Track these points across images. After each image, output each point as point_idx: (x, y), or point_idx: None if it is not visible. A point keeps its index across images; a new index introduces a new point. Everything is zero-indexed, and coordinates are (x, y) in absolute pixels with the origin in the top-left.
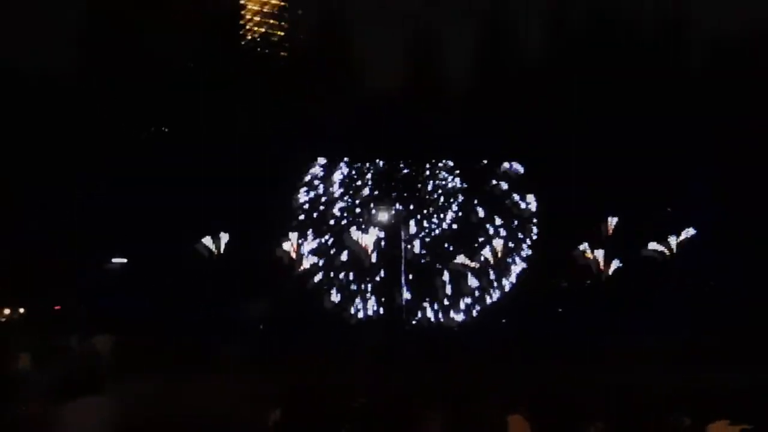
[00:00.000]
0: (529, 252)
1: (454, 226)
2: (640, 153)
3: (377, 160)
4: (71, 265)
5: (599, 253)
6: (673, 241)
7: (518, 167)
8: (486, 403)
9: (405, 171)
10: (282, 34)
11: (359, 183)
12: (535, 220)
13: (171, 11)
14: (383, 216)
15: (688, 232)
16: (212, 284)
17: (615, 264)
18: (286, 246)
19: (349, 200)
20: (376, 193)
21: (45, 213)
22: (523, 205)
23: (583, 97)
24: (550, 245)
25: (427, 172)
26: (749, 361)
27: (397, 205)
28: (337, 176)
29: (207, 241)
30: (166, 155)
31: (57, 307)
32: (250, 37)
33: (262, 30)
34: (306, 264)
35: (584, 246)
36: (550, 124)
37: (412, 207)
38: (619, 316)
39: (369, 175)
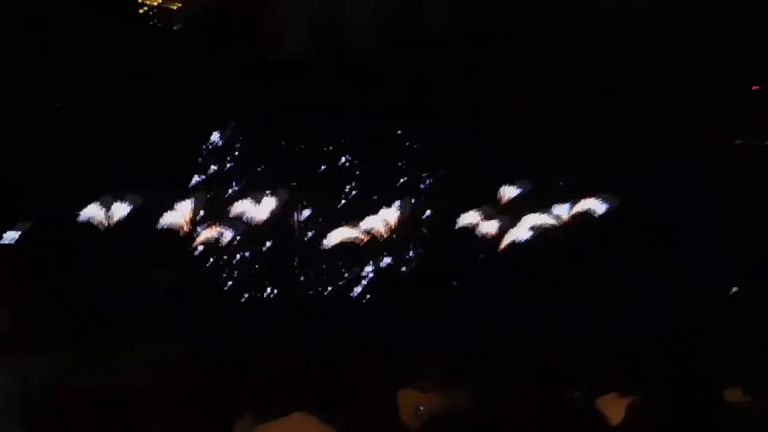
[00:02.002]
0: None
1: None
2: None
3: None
4: None
5: (493, 223)
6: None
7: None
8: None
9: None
10: (179, 6)
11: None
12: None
13: None
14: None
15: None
16: (111, 253)
17: (515, 233)
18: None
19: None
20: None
21: None
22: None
23: (487, 63)
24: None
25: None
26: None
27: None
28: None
29: (97, 208)
30: (60, 122)
31: None
32: (144, 10)
33: (157, 2)
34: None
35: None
36: (454, 90)
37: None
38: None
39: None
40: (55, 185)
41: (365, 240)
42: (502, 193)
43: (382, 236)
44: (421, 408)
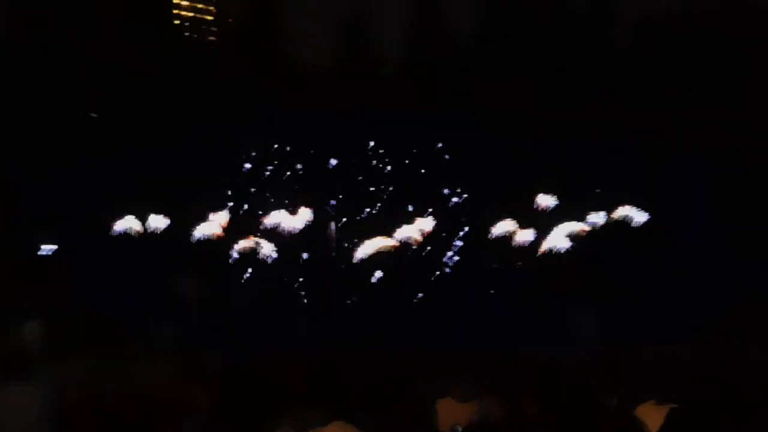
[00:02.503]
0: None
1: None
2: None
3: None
4: None
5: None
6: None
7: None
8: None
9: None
10: (211, 18)
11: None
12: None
13: None
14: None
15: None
16: (143, 265)
17: (550, 243)
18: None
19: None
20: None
21: None
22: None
23: (514, 71)
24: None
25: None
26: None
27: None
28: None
29: (132, 220)
30: (94, 139)
31: None
32: (178, 22)
33: (191, 15)
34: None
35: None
36: (483, 97)
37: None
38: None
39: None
40: (85, 198)
41: (398, 250)
42: (530, 203)
43: (414, 246)
44: (460, 428)
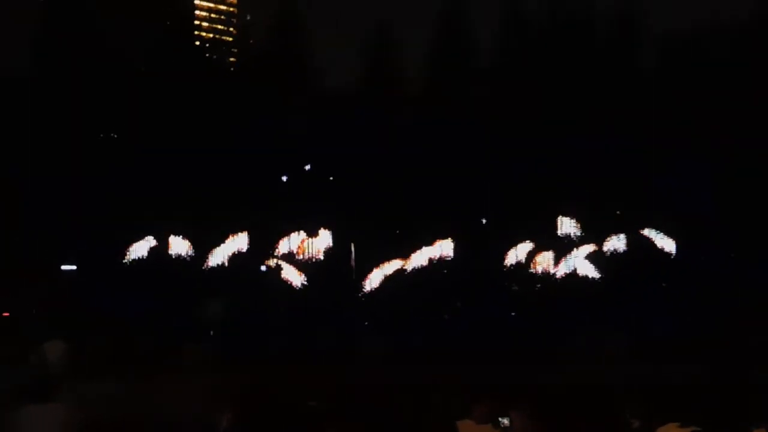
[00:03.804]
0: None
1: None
2: (596, 150)
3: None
4: (20, 271)
5: (549, 255)
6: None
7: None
8: (447, 405)
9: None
10: (230, 39)
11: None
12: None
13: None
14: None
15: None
16: (167, 285)
17: (570, 264)
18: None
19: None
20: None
21: None
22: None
23: (539, 96)
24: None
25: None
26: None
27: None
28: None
29: (150, 242)
30: (117, 159)
31: (5, 314)
32: (198, 43)
33: (211, 36)
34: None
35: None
36: (506, 124)
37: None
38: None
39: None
40: (108, 219)
41: (420, 274)
42: (551, 223)
43: (435, 267)
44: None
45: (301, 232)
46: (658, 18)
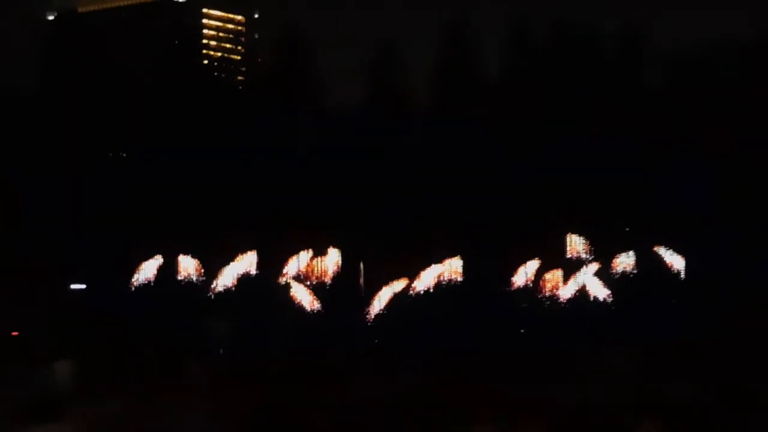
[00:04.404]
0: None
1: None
2: (599, 165)
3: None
4: (30, 290)
5: (558, 273)
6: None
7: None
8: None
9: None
10: (239, 58)
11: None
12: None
13: (131, 35)
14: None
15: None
16: (175, 303)
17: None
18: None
19: None
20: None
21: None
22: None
23: (544, 111)
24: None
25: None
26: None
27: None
28: None
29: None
30: (125, 177)
31: (14, 333)
32: (207, 62)
33: (219, 54)
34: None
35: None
36: (513, 137)
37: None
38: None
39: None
40: (115, 237)
41: (429, 289)
42: (561, 242)
43: (444, 285)
44: None
45: (310, 250)
46: (663, 35)
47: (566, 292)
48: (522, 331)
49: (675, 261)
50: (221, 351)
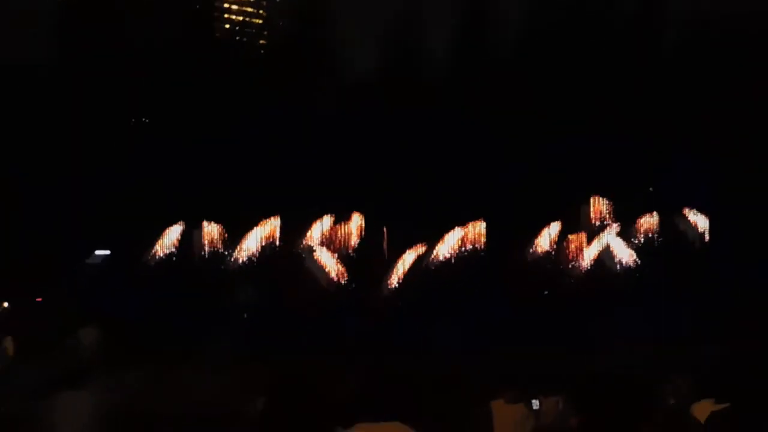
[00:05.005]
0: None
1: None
2: (617, 138)
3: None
4: (54, 257)
5: (582, 235)
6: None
7: None
8: (472, 390)
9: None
10: (260, 21)
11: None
12: None
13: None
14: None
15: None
16: (196, 274)
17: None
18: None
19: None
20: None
21: (24, 206)
22: None
23: (562, 84)
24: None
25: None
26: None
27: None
28: None
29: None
30: (147, 145)
31: (38, 299)
32: (228, 27)
33: (240, 18)
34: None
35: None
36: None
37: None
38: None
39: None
40: (137, 205)
41: (448, 257)
42: (581, 211)
43: (464, 252)
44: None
45: (332, 216)
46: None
47: (590, 253)
48: (545, 293)
49: (699, 221)
50: (243, 321)
